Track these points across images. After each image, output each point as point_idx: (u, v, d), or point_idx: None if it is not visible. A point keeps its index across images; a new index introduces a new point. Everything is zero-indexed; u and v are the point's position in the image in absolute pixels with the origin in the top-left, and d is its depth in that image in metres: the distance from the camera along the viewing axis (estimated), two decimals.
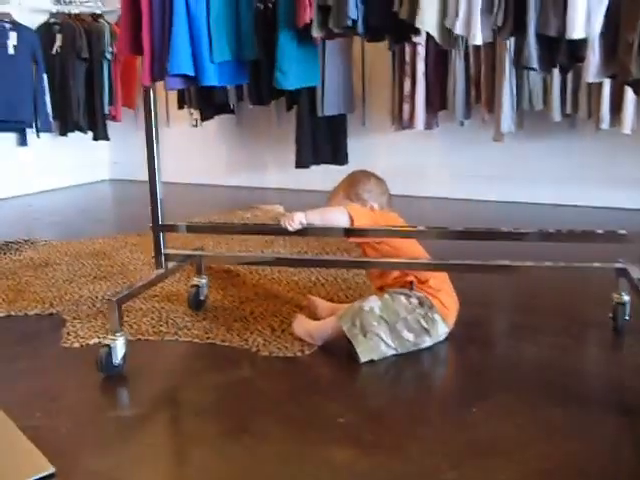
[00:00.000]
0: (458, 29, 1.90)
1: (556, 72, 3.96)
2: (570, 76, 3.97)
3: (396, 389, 1.99)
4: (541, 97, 4.09)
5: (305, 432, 1.71)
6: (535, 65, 1.87)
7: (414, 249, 2.29)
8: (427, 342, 2.14)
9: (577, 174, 4.40)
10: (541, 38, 1.85)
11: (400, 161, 4.85)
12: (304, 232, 2.22)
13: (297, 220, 2.15)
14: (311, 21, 2.08)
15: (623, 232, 2.14)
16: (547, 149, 4.47)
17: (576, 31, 1.79)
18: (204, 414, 1.87)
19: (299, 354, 2.15)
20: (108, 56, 5.32)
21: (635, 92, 1.91)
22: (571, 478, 1.49)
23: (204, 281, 2.58)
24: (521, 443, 1.63)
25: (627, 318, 2.27)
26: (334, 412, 1.78)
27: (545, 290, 2.67)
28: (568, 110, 4.05)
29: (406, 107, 4.37)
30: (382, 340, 2.07)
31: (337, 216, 2.20)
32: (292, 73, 2.23)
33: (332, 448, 1.62)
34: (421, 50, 4.24)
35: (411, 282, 2.17)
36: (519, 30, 1.86)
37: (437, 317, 2.14)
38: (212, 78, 2.15)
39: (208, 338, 2.30)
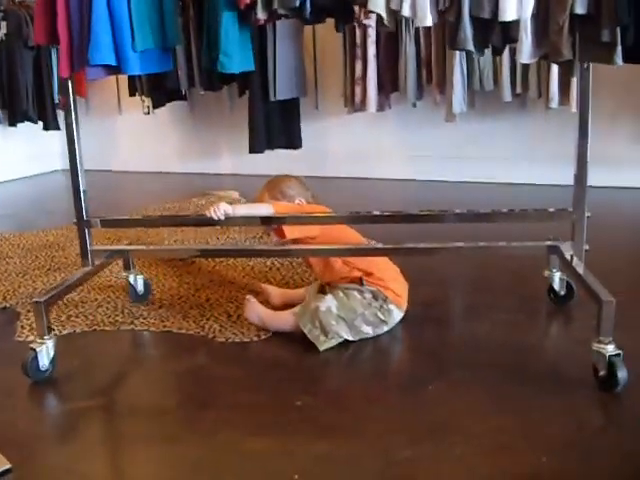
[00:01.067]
0: (405, 11, 1.91)
1: (505, 52, 4.01)
2: None
3: (353, 371, 2.01)
4: (492, 77, 4.14)
5: (263, 416, 1.72)
6: (470, 47, 1.89)
7: (351, 238, 2.30)
8: (384, 329, 2.16)
9: (528, 153, 4.47)
10: (475, 20, 1.87)
11: (354, 143, 4.87)
12: (228, 222, 2.24)
13: (222, 209, 2.15)
14: (253, 2, 2.03)
15: (552, 210, 2.22)
16: (498, 128, 4.53)
17: (508, 13, 1.82)
18: (161, 402, 1.87)
19: (255, 339, 2.15)
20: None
21: (564, 72, 1.95)
22: (524, 450, 1.53)
23: (135, 275, 2.52)
24: (476, 418, 1.66)
25: (562, 293, 2.34)
26: (291, 395, 1.79)
27: (494, 269, 2.70)
28: (518, 90, 4.10)
29: (358, 90, 4.38)
30: (342, 337, 2.09)
31: (263, 210, 2.22)
32: (236, 56, 2.19)
33: (289, 431, 1.64)
34: (372, 32, 4.25)
35: (360, 278, 2.17)
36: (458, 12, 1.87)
37: (392, 307, 2.16)
38: (135, 67, 2.08)
39: (164, 326, 2.29)
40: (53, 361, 1.97)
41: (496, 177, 4.50)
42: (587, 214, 2.14)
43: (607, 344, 1.75)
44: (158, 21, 2.07)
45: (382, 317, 2.14)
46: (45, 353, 1.95)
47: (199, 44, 4.04)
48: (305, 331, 2.08)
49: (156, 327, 2.29)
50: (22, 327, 2.32)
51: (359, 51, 4.32)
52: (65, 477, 1.53)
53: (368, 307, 2.12)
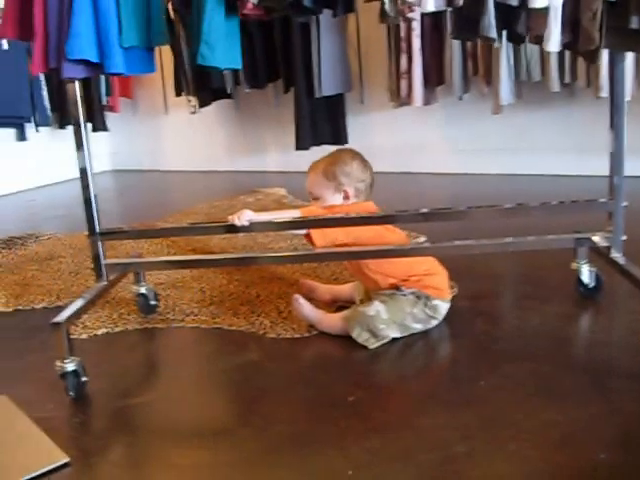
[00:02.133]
0: None
1: None
2: None
3: (404, 366, 2.00)
4: (539, 67, 4.08)
5: (315, 412, 1.72)
6: (494, 35, 1.85)
7: (390, 240, 2.22)
8: (434, 324, 2.14)
9: (577, 143, 4.39)
10: (499, 7, 1.81)
11: (400, 138, 4.85)
12: (249, 228, 2.15)
13: (245, 217, 2.12)
14: None
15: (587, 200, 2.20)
16: (547, 119, 4.46)
17: (538, 0, 1.78)
18: (213, 397, 1.89)
19: (306, 335, 2.15)
20: None
21: (591, 61, 1.90)
22: (581, 445, 1.50)
23: (146, 288, 2.44)
24: (530, 413, 1.64)
25: (592, 285, 2.30)
26: (343, 391, 1.79)
27: (549, 262, 2.67)
28: (567, 79, 4.04)
29: (404, 83, 4.35)
30: (392, 337, 2.07)
31: (289, 215, 2.18)
32: (219, 48, 1.98)
33: (342, 426, 1.63)
34: (416, 26, 4.22)
35: (396, 285, 2.13)
36: None
37: (436, 302, 2.13)
38: (119, 65, 1.91)
39: (215, 323, 2.31)
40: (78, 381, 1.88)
41: (545, 169, 4.43)
42: (624, 204, 2.10)
43: None
44: (144, 17, 1.92)
45: (430, 313, 2.12)
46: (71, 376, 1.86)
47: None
48: (354, 335, 2.07)
49: (207, 324, 2.31)
50: (75, 325, 2.36)
51: (404, 45, 4.28)
52: (120, 472, 1.55)
53: (415, 305, 2.10)
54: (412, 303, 2.10)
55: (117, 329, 2.32)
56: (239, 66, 2.10)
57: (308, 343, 2.12)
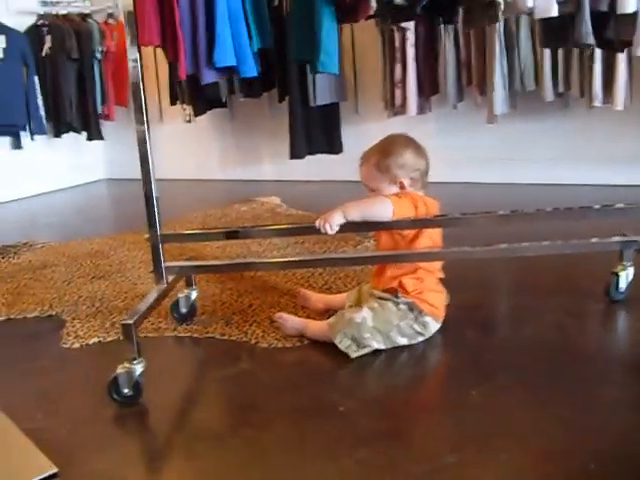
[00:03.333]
0: (528, 2, 1.82)
1: (547, 51, 3.96)
2: (561, 55, 3.96)
3: (395, 376, 1.99)
4: (533, 77, 4.09)
5: (306, 421, 1.71)
6: (592, 41, 1.83)
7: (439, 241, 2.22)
8: (421, 339, 2.12)
9: (572, 153, 4.40)
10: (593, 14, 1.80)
11: None
12: (341, 230, 2.06)
13: (335, 223, 2.03)
14: None
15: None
16: (541, 129, 4.46)
17: (628, 6, 1.78)
18: (205, 406, 1.88)
19: (298, 344, 2.15)
20: (98, 55, 5.32)
21: None
22: (572, 454, 1.49)
23: (194, 292, 2.43)
24: (520, 423, 1.63)
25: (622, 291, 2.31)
26: (334, 401, 1.79)
27: (542, 270, 2.67)
28: (560, 89, 4.04)
29: (398, 93, 4.36)
30: (375, 347, 2.06)
31: (380, 209, 2.08)
32: (335, 56, 2.06)
33: (333, 436, 1.63)
34: (410, 35, 4.23)
35: (395, 290, 2.11)
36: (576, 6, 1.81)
37: (428, 319, 2.10)
38: (252, 68, 2.03)
39: (207, 332, 2.30)
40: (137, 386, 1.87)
41: (540, 178, 4.44)
42: None
43: None
44: (260, 21, 2.03)
45: (418, 329, 2.09)
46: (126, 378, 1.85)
47: None
48: (336, 342, 2.05)
49: (199, 333, 2.31)
50: (67, 334, 2.35)
51: (398, 54, 4.30)
52: None
53: (404, 318, 2.07)
54: (401, 316, 2.08)
55: (109, 338, 2.31)
56: (338, 71, 2.21)
57: (300, 353, 2.11)
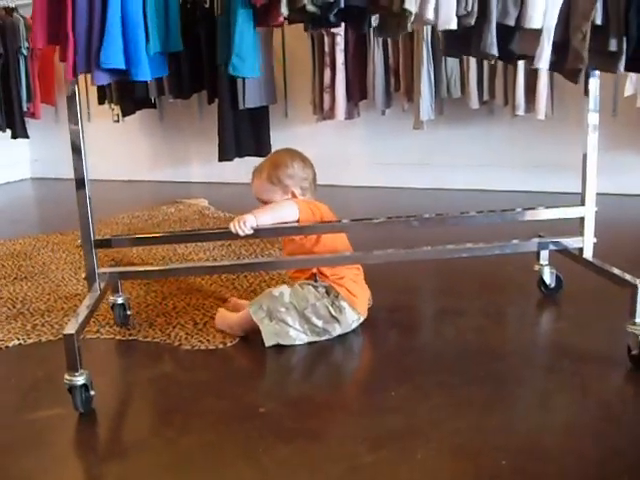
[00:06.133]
0: (429, 14, 1.88)
1: (473, 60, 4.06)
2: (486, 64, 4.07)
3: (316, 376, 2.02)
4: (459, 85, 4.18)
5: (226, 423, 1.72)
6: (495, 52, 1.91)
7: (343, 244, 2.30)
8: (337, 330, 2.17)
9: (495, 159, 4.52)
10: (498, 27, 1.90)
11: (323, 151, 4.86)
12: (255, 235, 2.15)
13: (248, 225, 2.10)
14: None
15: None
16: (466, 136, 4.57)
17: (535, 21, 1.87)
18: (126, 409, 1.88)
19: (221, 346, 2.16)
20: (24, 51, 5.19)
21: (574, 80, 1.98)
22: (484, 452, 1.54)
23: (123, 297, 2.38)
24: (437, 422, 1.68)
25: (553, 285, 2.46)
26: (255, 402, 1.80)
27: (465, 273, 2.73)
28: (485, 97, 4.15)
29: (327, 97, 4.41)
30: (289, 326, 2.11)
31: (287, 211, 2.19)
32: (249, 60, 2.08)
33: (253, 437, 1.64)
34: (340, 40, 4.28)
35: (314, 274, 2.20)
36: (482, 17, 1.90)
37: (344, 304, 2.16)
38: (146, 72, 1.97)
39: (130, 335, 2.29)
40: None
41: (464, 184, 4.54)
42: (595, 209, 2.25)
43: None
44: (164, 24, 2.01)
45: (333, 313, 2.15)
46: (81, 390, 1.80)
47: None
48: (251, 312, 2.12)
49: (122, 335, 2.29)
50: None
51: (328, 59, 4.34)
52: None
53: (320, 299, 2.15)
54: (318, 296, 2.15)
55: (30, 340, 2.28)
56: (258, 73, 2.21)
57: (222, 354, 2.12)
